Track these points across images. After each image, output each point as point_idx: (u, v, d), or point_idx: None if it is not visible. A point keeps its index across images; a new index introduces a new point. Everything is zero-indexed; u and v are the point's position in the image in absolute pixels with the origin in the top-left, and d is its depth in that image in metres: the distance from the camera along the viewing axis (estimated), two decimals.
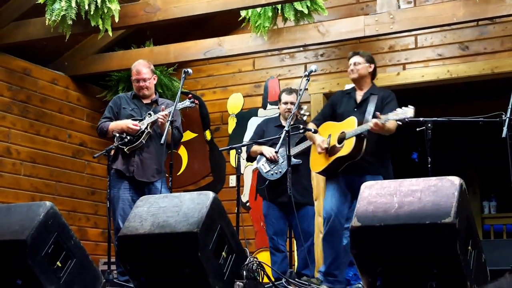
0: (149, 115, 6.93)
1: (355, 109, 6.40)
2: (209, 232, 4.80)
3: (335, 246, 6.29)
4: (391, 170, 6.42)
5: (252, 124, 9.21)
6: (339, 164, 6.24)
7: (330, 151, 6.32)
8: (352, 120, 6.22)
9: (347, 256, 6.40)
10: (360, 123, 6.16)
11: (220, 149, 7.76)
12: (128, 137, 6.82)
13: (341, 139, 6.24)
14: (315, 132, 6.32)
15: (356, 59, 6.51)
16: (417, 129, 6.34)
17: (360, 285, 6.24)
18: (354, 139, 6.11)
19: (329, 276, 6.30)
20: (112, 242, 6.53)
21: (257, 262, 5.08)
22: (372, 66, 6.54)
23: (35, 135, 8.64)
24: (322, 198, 7.51)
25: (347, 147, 6.15)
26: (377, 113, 6.05)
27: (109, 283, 6.16)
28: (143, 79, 7.09)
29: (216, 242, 4.84)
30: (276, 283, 5.45)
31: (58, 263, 5.05)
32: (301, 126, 6.38)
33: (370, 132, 6.13)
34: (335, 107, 6.56)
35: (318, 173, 6.62)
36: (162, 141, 6.36)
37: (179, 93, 6.62)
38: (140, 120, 6.95)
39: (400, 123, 5.96)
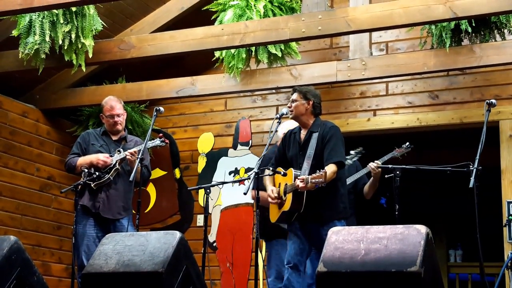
0: (119, 152, 6.91)
1: (300, 152, 6.24)
2: (175, 272, 4.78)
3: None
4: (352, 216, 6.30)
5: (222, 164, 9.22)
6: (288, 217, 6.15)
7: (280, 202, 6.24)
8: (291, 173, 6.10)
9: None
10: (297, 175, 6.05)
11: (188, 188, 7.74)
12: (97, 173, 6.79)
13: (285, 192, 6.18)
14: (284, 175, 6.22)
15: (293, 96, 6.29)
16: (386, 176, 6.39)
17: None
18: (291, 194, 6.04)
19: None
20: (76, 278, 6.46)
21: None
22: (311, 102, 6.24)
23: (2, 168, 8.53)
24: None
25: (288, 202, 6.07)
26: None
27: None
28: (117, 115, 7.09)
29: (181, 282, 4.82)
30: None
31: None
32: (271, 168, 6.35)
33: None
34: (286, 150, 6.37)
35: (274, 223, 6.54)
36: (131, 179, 6.34)
37: (149, 131, 6.62)
38: (110, 157, 6.93)
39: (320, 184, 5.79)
